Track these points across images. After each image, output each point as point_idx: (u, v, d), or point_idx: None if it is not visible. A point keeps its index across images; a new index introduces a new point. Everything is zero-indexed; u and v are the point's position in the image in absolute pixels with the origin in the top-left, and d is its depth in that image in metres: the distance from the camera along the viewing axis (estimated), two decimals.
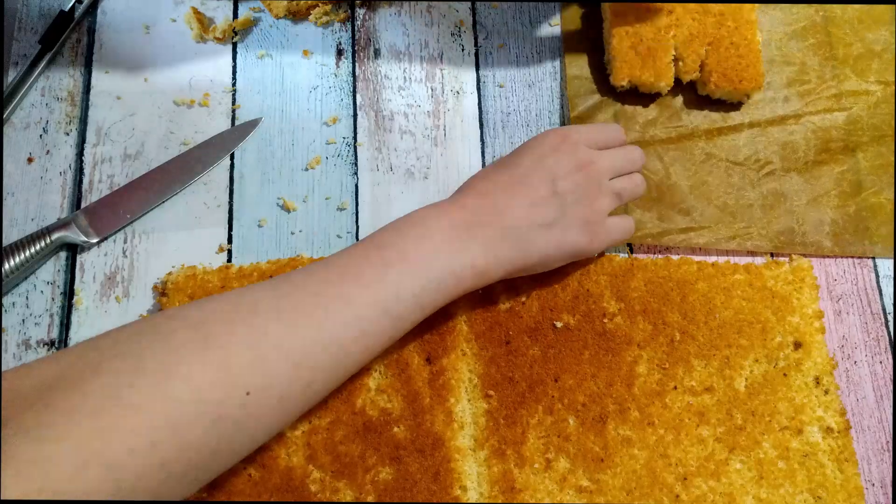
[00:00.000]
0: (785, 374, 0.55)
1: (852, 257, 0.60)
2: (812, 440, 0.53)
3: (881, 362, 0.57)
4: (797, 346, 0.56)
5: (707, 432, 0.53)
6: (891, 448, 0.55)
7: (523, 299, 0.55)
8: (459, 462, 0.50)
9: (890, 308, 0.59)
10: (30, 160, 0.59)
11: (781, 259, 0.59)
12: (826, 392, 0.54)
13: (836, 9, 0.68)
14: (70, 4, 0.62)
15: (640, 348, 0.54)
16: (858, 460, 0.54)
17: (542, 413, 0.52)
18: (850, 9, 0.68)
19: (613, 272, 0.56)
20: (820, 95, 0.65)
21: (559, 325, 0.54)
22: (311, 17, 0.65)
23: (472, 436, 0.51)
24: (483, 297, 0.55)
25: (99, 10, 0.64)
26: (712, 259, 0.58)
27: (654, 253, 0.59)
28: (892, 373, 0.57)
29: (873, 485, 0.54)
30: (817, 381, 0.55)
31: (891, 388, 0.56)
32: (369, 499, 0.49)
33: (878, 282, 0.60)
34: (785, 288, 0.57)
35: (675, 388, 0.53)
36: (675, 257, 0.58)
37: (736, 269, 0.58)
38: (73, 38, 0.63)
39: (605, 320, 0.55)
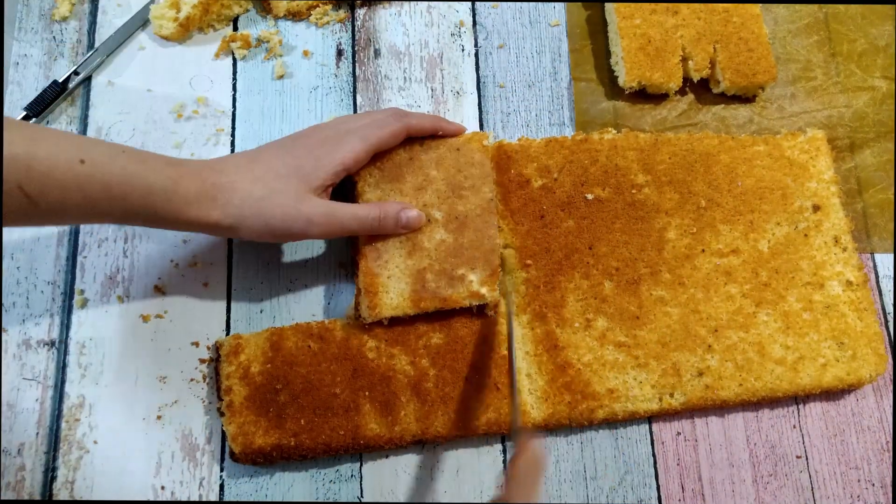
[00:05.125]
0: (806, 235, 0.58)
1: (861, 254, 0.60)
2: (833, 293, 0.56)
3: None
4: (816, 209, 0.58)
5: (735, 290, 0.56)
6: (891, 448, 0.56)
7: (555, 176, 0.58)
8: (504, 325, 0.54)
9: (890, 308, 0.60)
10: None
11: (797, 131, 0.62)
12: (844, 249, 0.58)
13: (839, 6, 0.67)
14: (66, 75, 0.60)
15: (668, 216, 0.57)
16: (858, 460, 0.55)
17: (578, 279, 0.55)
18: (853, 5, 0.67)
19: (640, 147, 0.59)
20: (826, 92, 0.65)
21: (590, 197, 0.57)
22: (311, 18, 0.64)
23: (514, 302, 0.54)
24: (516, 177, 0.57)
25: (99, 10, 0.63)
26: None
27: None
28: (892, 373, 0.58)
29: (873, 485, 0.55)
30: (836, 240, 0.58)
31: (891, 388, 0.57)
32: (423, 361, 0.52)
33: (877, 281, 0.61)
34: (801, 157, 0.60)
35: (703, 251, 0.56)
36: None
37: (755, 142, 0.60)
38: (73, 39, 0.62)
39: (634, 191, 0.57)
